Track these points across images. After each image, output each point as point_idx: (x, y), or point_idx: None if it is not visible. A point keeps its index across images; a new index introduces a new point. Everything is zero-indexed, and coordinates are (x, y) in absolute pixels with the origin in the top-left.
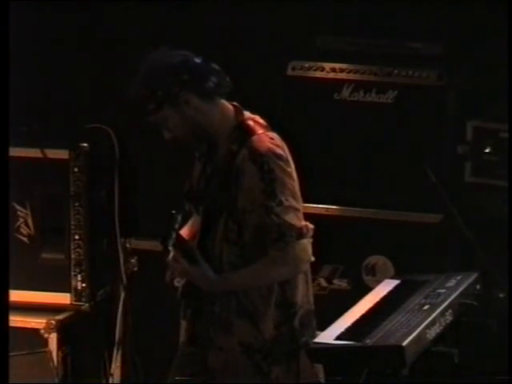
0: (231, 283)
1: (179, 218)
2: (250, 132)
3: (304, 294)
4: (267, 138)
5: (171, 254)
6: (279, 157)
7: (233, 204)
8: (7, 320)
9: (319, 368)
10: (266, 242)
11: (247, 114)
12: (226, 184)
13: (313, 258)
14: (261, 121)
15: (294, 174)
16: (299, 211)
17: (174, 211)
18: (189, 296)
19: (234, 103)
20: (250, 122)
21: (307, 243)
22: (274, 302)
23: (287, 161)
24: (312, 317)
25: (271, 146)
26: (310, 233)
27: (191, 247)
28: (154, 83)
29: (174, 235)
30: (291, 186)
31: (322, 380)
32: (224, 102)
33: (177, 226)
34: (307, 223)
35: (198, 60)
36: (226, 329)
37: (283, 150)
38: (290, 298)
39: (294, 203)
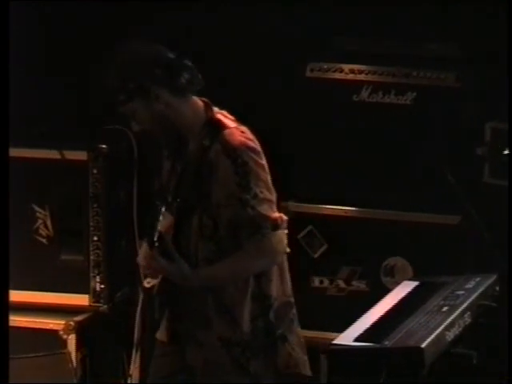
0: (208, 278)
1: (163, 209)
2: (221, 126)
3: (279, 286)
4: (239, 132)
5: (142, 252)
6: (252, 150)
7: (207, 199)
8: (7, 320)
9: (300, 360)
10: (241, 235)
11: (216, 109)
12: (198, 179)
13: (288, 250)
14: (230, 116)
15: (267, 167)
16: (273, 203)
17: (158, 202)
18: (165, 294)
19: (204, 99)
20: (221, 117)
21: (282, 234)
22: (250, 295)
23: (260, 153)
24: (289, 308)
25: (243, 139)
26: (285, 224)
27: (168, 243)
28: (126, 75)
29: (157, 229)
30: (265, 178)
31: (307, 371)
32: (194, 97)
33: (161, 219)
34: (281, 214)
35: (171, 55)
36: (205, 324)
37: (255, 143)
38: (265, 290)
39: (268, 195)
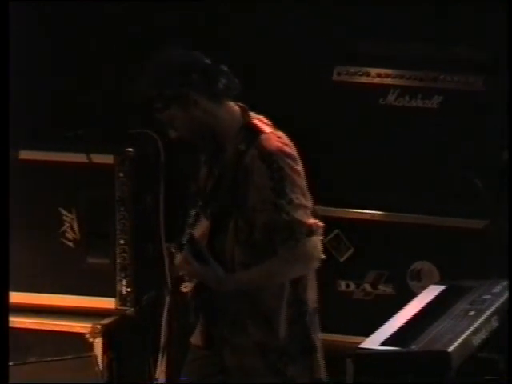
0: (242, 282)
1: (193, 213)
2: (257, 131)
3: (313, 291)
4: (275, 137)
5: (179, 257)
6: (288, 155)
7: (242, 204)
8: (7, 321)
9: (322, 365)
10: (276, 240)
11: (253, 114)
12: (234, 184)
13: (323, 256)
14: (267, 121)
15: (303, 172)
16: (308, 209)
17: (193, 206)
18: (200, 298)
19: (240, 104)
20: (257, 122)
21: (317, 240)
22: (286, 301)
23: (295, 159)
24: (317, 314)
25: (279, 144)
26: (320, 230)
27: (202, 247)
28: (164, 83)
29: (187, 233)
30: (300, 183)
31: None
32: (231, 103)
33: (191, 223)
34: (316, 221)
35: (208, 61)
36: (241, 329)
37: (291, 148)
38: (302, 295)
39: (303, 201)
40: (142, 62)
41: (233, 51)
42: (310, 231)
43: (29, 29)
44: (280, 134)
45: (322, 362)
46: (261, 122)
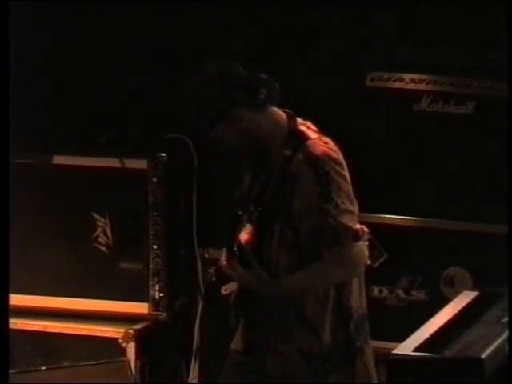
0: (287, 286)
1: (237, 219)
2: (304, 137)
3: (358, 297)
4: (321, 143)
5: (223, 260)
6: (334, 160)
7: (288, 209)
8: (7, 323)
9: (373, 373)
10: (321, 245)
11: (299, 120)
12: (281, 189)
13: (368, 262)
14: (313, 126)
15: (349, 178)
16: (354, 214)
17: (239, 212)
18: (243, 303)
19: (287, 110)
20: (303, 128)
21: (363, 246)
22: (331, 307)
23: (342, 164)
24: (365, 321)
25: (326, 149)
26: (366, 236)
27: (247, 252)
28: (204, 103)
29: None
30: (346, 188)
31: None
32: (276, 109)
33: (235, 228)
34: (362, 226)
35: (246, 72)
36: (284, 335)
37: (337, 153)
38: (346, 302)
39: (349, 206)
40: (180, 76)
41: (268, 61)
42: (356, 236)
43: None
44: (326, 139)
45: (370, 368)
46: (307, 127)
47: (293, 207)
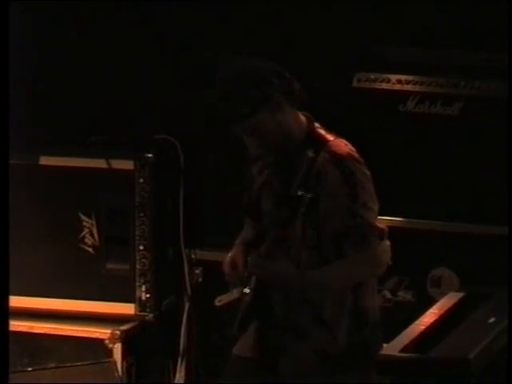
0: (311, 280)
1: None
2: (323, 139)
3: (372, 299)
4: (342, 144)
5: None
6: (357, 160)
7: (313, 209)
8: (7, 325)
9: None
10: (346, 244)
11: (316, 124)
12: (306, 190)
13: (390, 262)
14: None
15: (371, 177)
16: (376, 214)
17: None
18: (257, 308)
19: (305, 113)
20: (321, 130)
21: (387, 245)
22: (348, 309)
23: (364, 164)
24: (379, 326)
25: (349, 150)
26: (387, 235)
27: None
28: (248, 85)
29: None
30: (370, 188)
31: None
32: (297, 111)
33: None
34: (385, 225)
35: (278, 68)
36: (301, 336)
37: (358, 154)
38: (362, 304)
39: (373, 206)
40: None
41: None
42: (382, 235)
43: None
44: (345, 141)
45: None
46: (324, 130)
47: (318, 207)
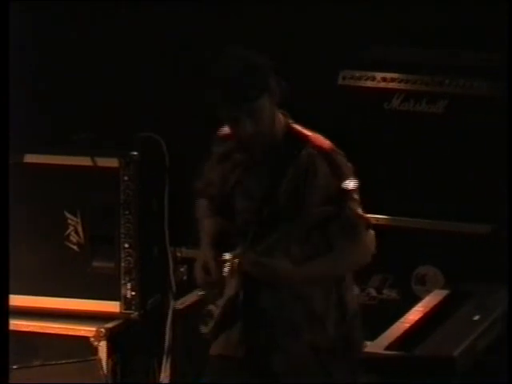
0: (306, 274)
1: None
2: (303, 134)
3: (351, 291)
4: (322, 138)
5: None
6: (340, 153)
7: (301, 203)
8: (7, 324)
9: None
10: (336, 235)
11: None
12: (292, 184)
13: (375, 251)
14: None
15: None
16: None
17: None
18: (240, 309)
19: (281, 110)
20: (298, 126)
21: (373, 234)
22: (333, 301)
23: (345, 157)
24: (357, 315)
25: (330, 144)
26: (371, 226)
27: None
28: (259, 69)
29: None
30: (354, 180)
31: None
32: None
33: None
34: (369, 216)
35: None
36: (295, 332)
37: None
38: (343, 296)
39: (358, 197)
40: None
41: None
42: (368, 225)
43: (28, 29)
44: (320, 135)
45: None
46: (300, 126)
47: (306, 201)
